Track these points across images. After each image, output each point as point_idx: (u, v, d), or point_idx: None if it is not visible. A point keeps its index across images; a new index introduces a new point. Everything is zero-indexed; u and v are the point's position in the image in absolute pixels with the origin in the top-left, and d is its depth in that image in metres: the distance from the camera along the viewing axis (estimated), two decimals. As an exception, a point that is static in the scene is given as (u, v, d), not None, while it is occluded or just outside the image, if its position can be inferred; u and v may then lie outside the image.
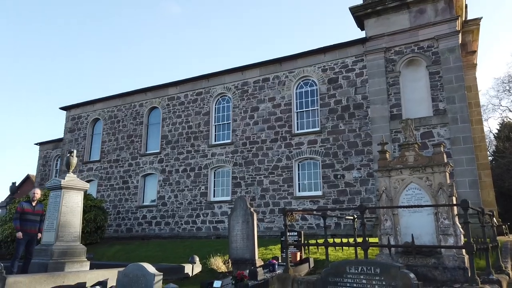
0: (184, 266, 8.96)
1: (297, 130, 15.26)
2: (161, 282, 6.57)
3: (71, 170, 9.10)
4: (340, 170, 13.96)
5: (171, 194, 17.07)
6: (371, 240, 8.00)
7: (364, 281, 4.59)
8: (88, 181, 19.86)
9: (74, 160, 9.24)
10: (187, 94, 17.93)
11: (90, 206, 15.21)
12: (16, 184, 20.59)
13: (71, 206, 8.70)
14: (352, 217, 8.46)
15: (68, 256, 8.38)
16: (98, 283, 7.08)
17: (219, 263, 8.50)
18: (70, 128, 21.36)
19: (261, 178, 15.27)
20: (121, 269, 7.09)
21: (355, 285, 4.66)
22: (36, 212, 8.35)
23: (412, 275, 4.32)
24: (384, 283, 4.43)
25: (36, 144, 24.03)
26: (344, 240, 8.32)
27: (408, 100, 13.69)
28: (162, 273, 6.79)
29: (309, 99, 15.39)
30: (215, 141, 16.88)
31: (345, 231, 13.10)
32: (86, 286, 6.94)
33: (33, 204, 8.37)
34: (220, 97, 17.30)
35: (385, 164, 7.16)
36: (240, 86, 16.67)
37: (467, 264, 6.16)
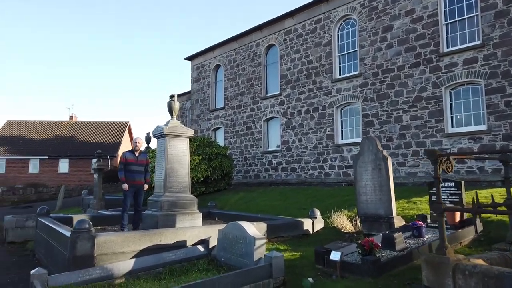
0: (303, 222, 7.49)
1: (447, 47, 11.64)
2: (264, 247, 5.18)
3: (174, 116, 8.31)
4: (514, 95, 10.17)
5: (295, 138, 15.66)
6: None
7: None
8: (216, 129, 20.02)
9: (176, 105, 8.40)
10: (305, 24, 15.62)
11: (216, 154, 14.96)
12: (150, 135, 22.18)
13: (177, 155, 7.99)
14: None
15: (178, 208, 7.80)
16: (200, 242, 6.16)
17: (343, 222, 6.71)
18: (195, 78, 21.59)
19: (399, 113, 12.44)
20: (221, 226, 6.01)
21: None
22: (139, 162, 7.85)
23: None
24: None
25: (172, 97, 25.46)
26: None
27: None
28: (264, 236, 5.42)
29: (464, 3, 11.41)
30: (339, 74, 14.44)
31: (524, 177, 9.66)
32: (187, 245, 6.08)
33: (136, 154, 7.87)
34: (343, 21, 14.49)
35: None
36: (367, 3, 13.52)
37: None
